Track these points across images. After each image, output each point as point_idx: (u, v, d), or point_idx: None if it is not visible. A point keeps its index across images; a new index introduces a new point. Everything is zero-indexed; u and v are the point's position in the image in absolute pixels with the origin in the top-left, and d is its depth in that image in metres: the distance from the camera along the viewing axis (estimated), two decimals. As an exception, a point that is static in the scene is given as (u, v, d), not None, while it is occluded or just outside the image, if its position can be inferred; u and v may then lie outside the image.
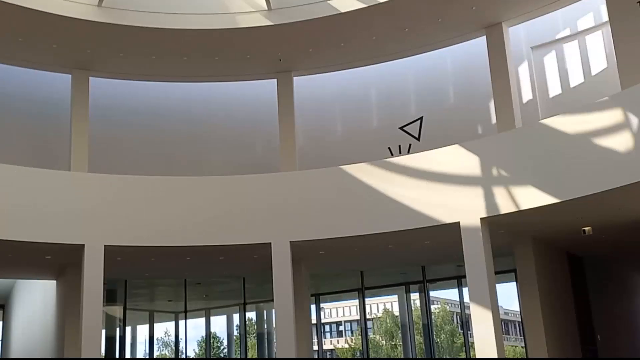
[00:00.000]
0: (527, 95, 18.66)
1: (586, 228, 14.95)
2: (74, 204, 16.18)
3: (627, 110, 12.80)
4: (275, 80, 19.96)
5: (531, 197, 13.79)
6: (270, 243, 16.69)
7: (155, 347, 25.40)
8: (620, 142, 12.73)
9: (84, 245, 16.08)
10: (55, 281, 19.87)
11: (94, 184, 16.58)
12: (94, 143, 18.89)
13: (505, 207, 14.19)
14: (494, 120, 18.33)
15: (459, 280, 19.49)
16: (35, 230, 15.54)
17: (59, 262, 17.88)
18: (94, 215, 16.27)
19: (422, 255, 18.55)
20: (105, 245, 16.16)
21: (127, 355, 22.92)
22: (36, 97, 19.92)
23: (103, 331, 18.39)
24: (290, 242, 16.61)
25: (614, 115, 13.01)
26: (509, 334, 26.40)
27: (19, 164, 16.14)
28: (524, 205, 13.89)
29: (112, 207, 16.51)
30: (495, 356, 13.94)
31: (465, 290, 19.16)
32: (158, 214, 16.77)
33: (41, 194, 15.88)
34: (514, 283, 17.84)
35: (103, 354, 18.91)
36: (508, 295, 18.96)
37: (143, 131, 20.92)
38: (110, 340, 21.63)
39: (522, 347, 21.85)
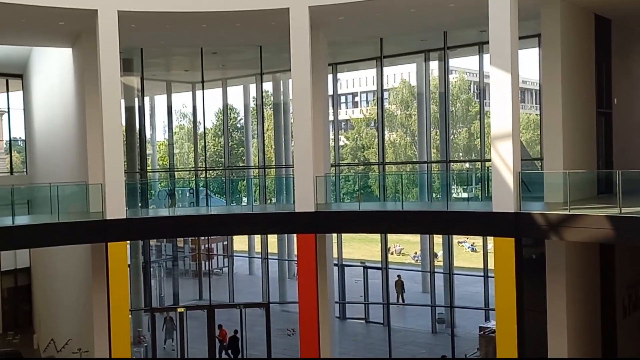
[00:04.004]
0: None
1: (620, -15, 14.27)
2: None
3: None
4: None
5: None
6: (288, 8, 16.23)
7: (174, 118, 25.96)
8: None
9: (96, 10, 15.75)
10: (70, 49, 19.70)
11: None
12: None
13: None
14: None
15: (480, 46, 19.16)
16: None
17: (73, 28, 17.59)
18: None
19: (444, 20, 17.93)
20: (118, 11, 15.84)
21: (147, 125, 23.51)
22: None
23: (122, 101, 18.64)
24: (309, 7, 16.13)
25: None
26: (524, 102, 26.76)
27: None
28: (558, -39, 13.13)
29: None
30: (510, 122, 14.10)
31: (485, 57, 18.92)
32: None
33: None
34: (536, 49, 17.55)
35: (123, 124, 19.31)
36: (527, 63, 18.70)
37: None
38: (129, 111, 22.05)
39: (536, 114, 22.20)
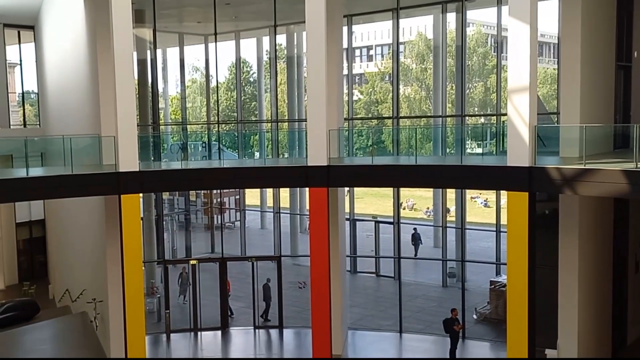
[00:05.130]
0: None
1: None
2: None
3: None
4: None
5: None
6: (303, -43, 15.90)
7: (186, 71, 25.81)
8: None
9: (106, -43, 15.51)
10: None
11: None
12: None
13: None
14: None
15: (498, -3, 18.79)
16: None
17: (83, -23, 17.35)
18: None
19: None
20: (129, -41, 15.58)
21: (159, 78, 23.39)
22: None
23: (134, 54, 18.44)
24: (323, -45, 15.79)
25: None
26: (542, 56, 26.34)
27: None
28: None
29: None
30: (527, 74, 13.81)
31: (504, 9, 18.49)
32: None
33: None
34: (556, 1, 17.09)
35: (136, 78, 19.20)
36: (545, 16, 18.25)
37: None
38: (142, 64, 21.89)
39: (554, 69, 21.83)
